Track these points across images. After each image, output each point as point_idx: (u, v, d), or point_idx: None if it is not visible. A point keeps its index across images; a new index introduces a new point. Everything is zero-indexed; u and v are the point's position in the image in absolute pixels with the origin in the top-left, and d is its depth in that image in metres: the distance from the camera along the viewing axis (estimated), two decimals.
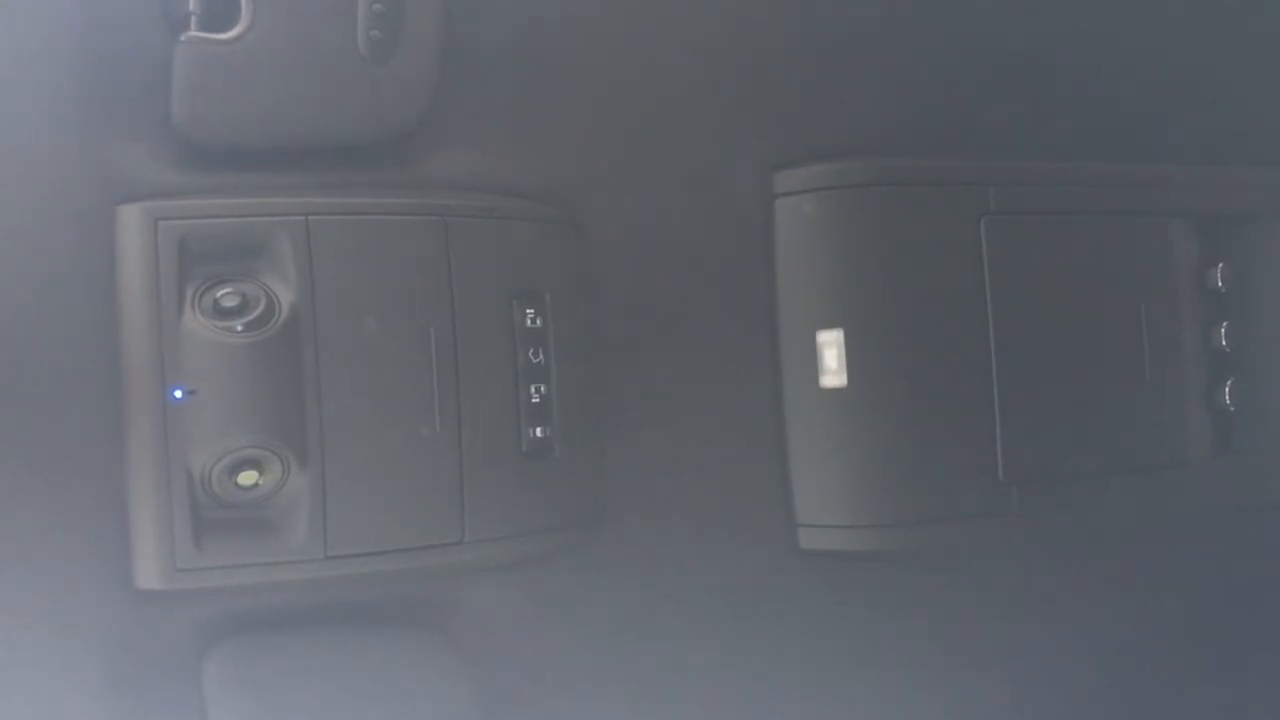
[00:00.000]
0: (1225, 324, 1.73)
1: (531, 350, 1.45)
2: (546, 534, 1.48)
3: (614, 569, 1.52)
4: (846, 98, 1.64)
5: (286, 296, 1.36)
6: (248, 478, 1.35)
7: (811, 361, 1.58)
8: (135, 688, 1.35)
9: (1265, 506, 1.77)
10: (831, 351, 1.57)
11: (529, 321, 1.45)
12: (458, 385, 1.40)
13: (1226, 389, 1.72)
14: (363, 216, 1.39)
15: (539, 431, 1.45)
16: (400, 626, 1.43)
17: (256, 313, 1.35)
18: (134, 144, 1.36)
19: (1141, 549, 1.73)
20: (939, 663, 1.64)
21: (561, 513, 1.49)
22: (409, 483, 1.39)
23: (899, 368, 1.59)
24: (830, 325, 1.57)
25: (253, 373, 1.34)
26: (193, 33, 1.36)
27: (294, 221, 1.37)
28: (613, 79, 1.54)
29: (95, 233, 1.34)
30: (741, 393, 1.58)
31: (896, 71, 1.65)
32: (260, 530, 1.36)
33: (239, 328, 1.34)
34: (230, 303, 1.35)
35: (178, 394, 1.33)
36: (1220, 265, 1.72)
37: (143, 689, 1.35)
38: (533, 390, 1.45)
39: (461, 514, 1.41)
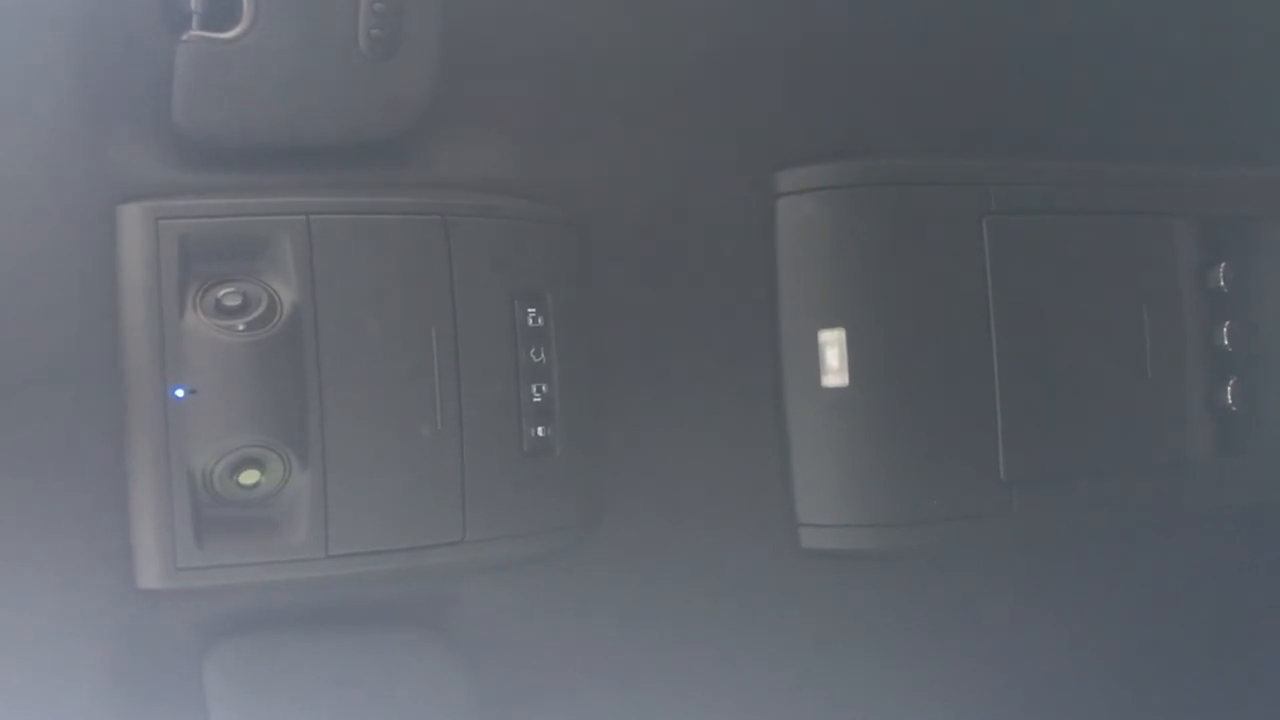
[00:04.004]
0: (1227, 324, 1.72)
1: (533, 349, 1.45)
2: (546, 534, 1.48)
3: (614, 569, 1.52)
4: (846, 98, 1.64)
5: (288, 296, 1.36)
6: (249, 477, 1.35)
7: (813, 361, 1.58)
8: (137, 687, 1.35)
9: (1266, 506, 1.77)
10: (833, 351, 1.57)
11: (530, 321, 1.45)
12: (459, 384, 1.40)
13: (1228, 389, 1.72)
14: (364, 216, 1.39)
15: (540, 431, 1.45)
16: (400, 626, 1.43)
17: (258, 312, 1.35)
18: (135, 143, 1.36)
19: (1142, 549, 1.73)
20: (940, 662, 1.64)
21: (561, 512, 1.49)
22: (410, 482, 1.39)
23: (901, 367, 1.59)
24: (832, 325, 1.57)
25: (254, 372, 1.34)
26: (194, 32, 1.36)
27: (295, 221, 1.37)
28: (613, 78, 1.54)
29: (96, 233, 1.34)
30: (742, 392, 1.58)
31: (897, 71, 1.65)
32: (261, 529, 1.36)
33: (240, 327, 1.34)
34: (232, 302, 1.35)
35: (179, 393, 1.33)
36: (1222, 265, 1.72)
37: (144, 688, 1.35)
38: (534, 389, 1.45)
39: (462, 513, 1.41)
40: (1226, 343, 1.72)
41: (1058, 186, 1.67)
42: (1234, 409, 1.73)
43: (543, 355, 1.45)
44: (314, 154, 1.42)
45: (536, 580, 1.49)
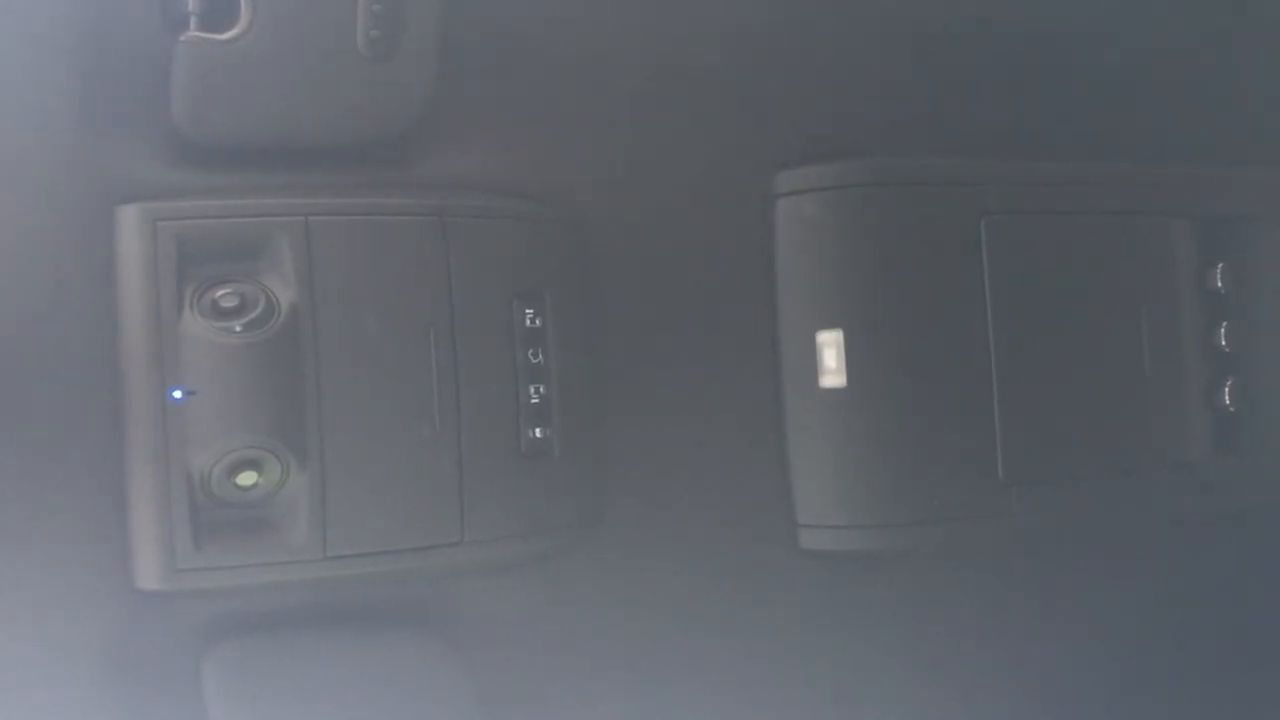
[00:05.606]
0: (1225, 324, 1.72)
1: (531, 350, 1.45)
2: (546, 534, 1.48)
3: (614, 569, 1.52)
4: (846, 98, 1.64)
5: (286, 297, 1.36)
6: (247, 478, 1.35)
7: (811, 361, 1.58)
8: (135, 689, 1.35)
9: (1265, 506, 1.77)
10: (831, 351, 1.57)
11: (529, 321, 1.45)
12: (457, 385, 1.40)
13: (1226, 389, 1.72)
14: (362, 217, 1.39)
15: (538, 432, 1.45)
16: (400, 626, 1.43)
17: (255, 313, 1.35)
18: (133, 144, 1.36)
19: (1142, 549, 1.73)
20: (939, 663, 1.64)
21: (561, 513, 1.49)
22: (408, 483, 1.39)
23: (899, 368, 1.59)
24: (830, 325, 1.57)
25: (252, 373, 1.34)
26: (192, 33, 1.36)
27: (293, 222, 1.37)
28: (613, 78, 1.54)
29: (94, 233, 1.34)
30: (741, 393, 1.58)
31: (897, 72, 1.65)
32: (260, 530, 1.36)
33: (238, 328, 1.34)
34: (229, 303, 1.35)
35: (177, 394, 1.33)
36: (1220, 265, 1.72)
37: (142, 690, 1.35)
38: (532, 390, 1.45)
39: (461, 514, 1.41)
40: (1224, 343, 1.72)
41: (1056, 187, 1.67)
42: (1232, 409, 1.73)
43: (541, 356, 1.45)
44: (312, 155, 1.42)
45: (535, 581, 1.49)
